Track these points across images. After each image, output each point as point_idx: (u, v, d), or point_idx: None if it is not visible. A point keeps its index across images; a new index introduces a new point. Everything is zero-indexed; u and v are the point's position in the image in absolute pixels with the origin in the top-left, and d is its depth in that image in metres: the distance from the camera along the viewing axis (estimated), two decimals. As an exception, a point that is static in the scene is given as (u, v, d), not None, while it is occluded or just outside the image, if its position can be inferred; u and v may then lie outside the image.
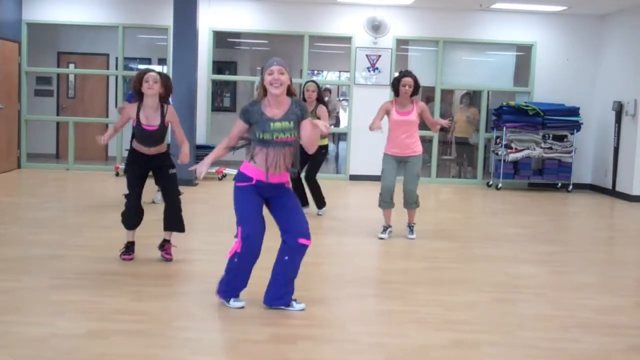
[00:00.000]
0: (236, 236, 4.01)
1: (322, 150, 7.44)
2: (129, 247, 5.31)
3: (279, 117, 3.95)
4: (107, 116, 12.56)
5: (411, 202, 6.42)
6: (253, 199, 4.03)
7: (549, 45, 11.06)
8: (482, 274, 5.38)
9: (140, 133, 5.13)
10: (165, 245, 5.33)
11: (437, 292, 4.79)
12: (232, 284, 4.16)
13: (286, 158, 3.99)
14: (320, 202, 7.59)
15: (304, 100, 7.36)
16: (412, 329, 3.99)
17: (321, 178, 7.78)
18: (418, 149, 6.38)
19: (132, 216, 5.22)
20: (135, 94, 5.17)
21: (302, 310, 4.17)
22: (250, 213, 4.00)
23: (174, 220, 5.27)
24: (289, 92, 4.02)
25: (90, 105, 12.75)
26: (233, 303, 4.16)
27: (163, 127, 5.15)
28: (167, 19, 10.24)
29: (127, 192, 5.24)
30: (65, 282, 4.61)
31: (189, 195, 7.71)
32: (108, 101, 12.79)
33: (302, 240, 4.05)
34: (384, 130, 6.25)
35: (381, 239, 6.43)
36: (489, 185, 11.06)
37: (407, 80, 6.27)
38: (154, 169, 5.25)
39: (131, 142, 5.35)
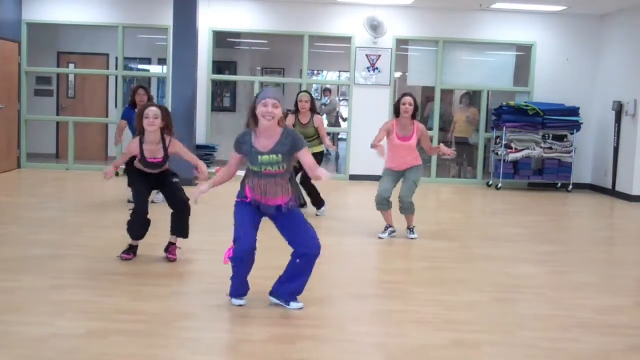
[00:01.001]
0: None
1: (317, 157, 7.47)
2: (131, 249, 5.32)
3: (267, 151, 3.98)
4: (107, 116, 12.56)
5: (406, 209, 6.48)
6: (249, 213, 4.09)
7: (549, 45, 11.06)
8: (482, 274, 5.38)
9: (144, 164, 5.18)
10: (169, 248, 5.36)
11: (437, 292, 4.79)
12: (234, 287, 4.24)
13: (278, 186, 4.03)
14: (319, 203, 7.59)
15: (297, 110, 7.38)
16: (412, 329, 3.99)
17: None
18: (417, 161, 6.47)
19: (139, 228, 5.25)
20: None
21: (300, 309, 4.18)
22: (244, 230, 4.04)
23: (177, 226, 5.32)
24: (279, 124, 4.03)
25: (90, 105, 12.74)
26: (234, 300, 4.24)
27: (167, 157, 5.19)
28: (167, 19, 10.24)
29: (131, 199, 5.28)
30: (65, 282, 4.61)
31: (188, 195, 7.69)
32: (108, 101, 12.79)
33: (311, 251, 4.11)
34: (385, 152, 6.28)
35: (380, 238, 6.43)
36: (489, 185, 11.06)
37: (407, 99, 6.36)
38: (157, 183, 5.31)
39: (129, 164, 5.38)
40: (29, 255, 5.37)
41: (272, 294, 4.28)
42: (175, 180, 5.29)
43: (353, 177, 11.06)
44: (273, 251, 4.60)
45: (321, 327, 3.96)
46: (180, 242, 5.47)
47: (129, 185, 5.57)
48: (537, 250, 6.35)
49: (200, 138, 10.72)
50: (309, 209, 7.50)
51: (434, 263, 5.67)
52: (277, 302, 4.24)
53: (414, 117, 6.39)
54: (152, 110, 5.00)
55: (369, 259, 5.97)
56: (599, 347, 3.82)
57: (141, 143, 5.09)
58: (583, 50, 11.07)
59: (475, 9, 10.78)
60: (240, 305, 4.20)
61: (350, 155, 11.13)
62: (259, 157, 3.97)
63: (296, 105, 7.43)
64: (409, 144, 6.38)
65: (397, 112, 6.44)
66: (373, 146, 6.23)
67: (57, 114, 12.71)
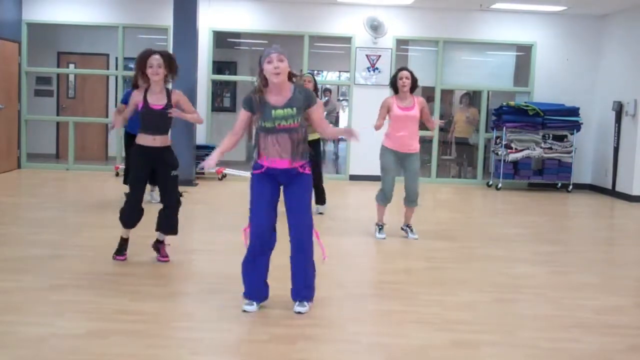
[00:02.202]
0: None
1: (314, 144, 7.49)
2: (122, 246, 5.26)
3: (281, 105, 3.95)
4: (107, 116, 12.54)
5: (413, 200, 6.41)
6: (264, 188, 4.03)
7: (549, 45, 11.06)
8: (482, 274, 5.38)
9: (146, 115, 5.04)
10: (159, 248, 5.30)
11: (437, 292, 4.79)
12: (247, 286, 4.15)
13: (292, 144, 3.96)
14: (323, 199, 7.60)
15: None
16: (412, 329, 3.99)
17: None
18: (417, 146, 6.38)
19: (131, 214, 5.15)
20: (136, 86, 5.13)
21: (300, 313, 4.11)
22: (259, 205, 4.02)
23: (167, 223, 5.21)
24: (290, 78, 4.02)
25: (90, 105, 12.74)
26: (245, 306, 4.11)
27: (170, 107, 5.07)
28: (167, 19, 10.24)
29: (127, 190, 5.22)
30: (65, 282, 4.61)
31: (188, 195, 7.71)
32: (108, 101, 12.79)
33: (302, 222, 4.03)
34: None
35: (382, 238, 6.41)
36: (489, 185, 11.06)
37: (404, 73, 6.28)
38: (156, 167, 5.13)
39: (128, 146, 5.27)
40: (29, 255, 5.37)
41: (293, 298, 4.18)
42: (174, 173, 5.16)
43: (353, 177, 11.06)
44: (273, 251, 4.58)
45: (321, 327, 3.95)
46: (179, 240, 5.48)
47: (126, 169, 5.40)
48: (537, 250, 6.35)
49: (200, 138, 10.72)
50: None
51: (434, 263, 5.67)
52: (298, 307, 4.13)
53: (411, 91, 6.32)
54: (156, 59, 4.97)
55: (369, 259, 5.97)
56: (599, 347, 3.82)
57: (145, 94, 5.04)
58: (583, 50, 11.07)
59: (475, 9, 10.78)
60: (247, 312, 4.07)
61: (350, 156, 11.13)
62: (273, 111, 3.93)
63: None
64: (411, 114, 6.24)
65: (395, 87, 6.34)
66: (377, 127, 6.19)
67: (57, 114, 12.71)
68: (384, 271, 5.59)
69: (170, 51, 9.99)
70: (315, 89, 7.55)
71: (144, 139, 5.08)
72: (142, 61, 4.99)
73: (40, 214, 7.13)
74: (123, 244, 5.28)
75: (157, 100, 5.05)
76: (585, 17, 10.94)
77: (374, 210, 6.60)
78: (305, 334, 3.81)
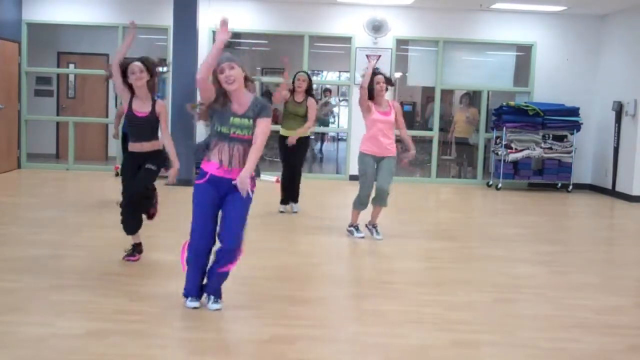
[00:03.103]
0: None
1: (303, 142, 7.52)
2: (135, 249, 5.28)
3: (240, 113, 3.95)
4: (107, 116, 12.54)
5: (382, 199, 6.37)
6: (206, 203, 3.99)
7: (549, 45, 11.06)
8: (482, 274, 5.38)
9: (132, 122, 5.07)
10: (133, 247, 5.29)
11: (437, 292, 4.79)
12: (187, 284, 4.17)
13: (242, 154, 3.94)
14: (296, 196, 7.61)
15: (294, 90, 7.43)
16: (412, 329, 3.99)
17: (321, 178, 7.79)
18: (394, 149, 6.39)
19: (131, 220, 5.15)
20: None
21: (218, 310, 4.10)
22: (199, 224, 3.99)
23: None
24: (247, 85, 4.00)
25: (90, 105, 12.73)
26: (188, 302, 4.14)
27: (154, 116, 5.08)
28: (167, 19, 10.24)
29: (121, 200, 5.19)
30: (65, 282, 4.61)
31: (188, 195, 7.70)
32: (108, 101, 12.77)
33: (224, 245, 3.98)
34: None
35: (361, 237, 6.39)
36: (489, 185, 11.06)
37: (379, 77, 6.26)
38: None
39: (125, 149, 5.27)
40: (29, 255, 5.36)
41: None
42: (152, 167, 5.10)
43: (353, 177, 11.04)
44: (273, 251, 4.60)
45: (321, 327, 3.95)
46: (179, 240, 5.44)
47: (121, 174, 5.39)
48: (537, 250, 6.35)
49: (200, 138, 10.67)
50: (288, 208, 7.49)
51: (434, 263, 5.67)
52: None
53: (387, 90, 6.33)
54: (137, 65, 5.00)
55: (368, 259, 5.97)
56: (599, 347, 3.82)
57: (131, 101, 5.06)
58: (583, 50, 11.07)
59: (475, 9, 10.78)
60: (195, 308, 4.09)
61: (350, 156, 11.12)
62: (231, 118, 3.93)
63: (293, 83, 7.51)
64: (388, 119, 6.27)
65: (370, 94, 6.27)
66: (364, 83, 6.17)
67: (57, 114, 12.70)
68: (383, 271, 5.59)
69: (171, 51, 10.03)
70: (310, 88, 7.56)
71: (133, 146, 5.16)
72: (122, 67, 5.04)
73: (40, 214, 7.12)
74: (135, 247, 5.28)
75: (141, 107, 5.07)
76: (585, 17, 10.94)
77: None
78: (305, 334, 3.81)
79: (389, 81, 6.33)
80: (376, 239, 6.43)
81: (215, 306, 4.10)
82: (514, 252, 6.20)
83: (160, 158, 5.18)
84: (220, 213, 4.01)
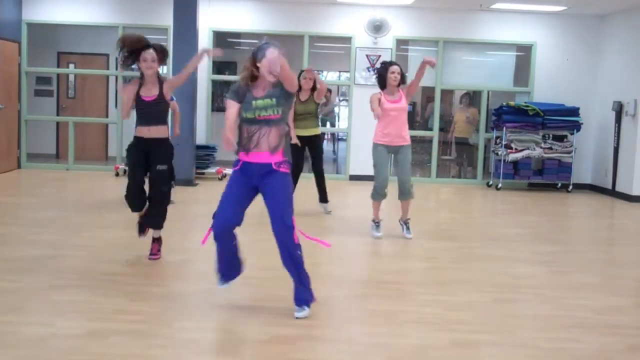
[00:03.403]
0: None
1: (315, 139, 7.50)
2: (141, 226, 5.34)
3: (261, 95, 3.97)
4: (107, 116, 12.56)
5: (406, 192, 6.38)
6: (237, 187, 4.04)
7: (549, 45, 11.06)
8: (482, 274, 5.38)
9: (139, 106, 5.10)
10: (152, 245, 5.33)
11: (437, 292, 4.79)
12: (218, 266, 4.22)
13: (270, 137, 3.96)
14: (325, 196, 7.64)
15: (300, 88, 7.42)
16: (412, 329, 3.99)
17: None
18: (408, 139, 6.41)
19: (132, 200, 5.21)
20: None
21: (301, 318, 4.07)
22: (227, 200, 4.04)
23: (152, 218, 5.26)
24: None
25: (90, 105, 12.74)
26: (219, 283, 4.25)
27: (162, 98, 5.11)
28: (167, 19, 10.24)
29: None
30: (65, 282, 4.61)
31: (189, 195, 7.73)
32: (108, 101, 12.79)
33: (278, 237, 3.98)
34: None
35: (378, 237, 6.40)
36: (489, 185, 11.06)
37: (396, 67, 6.32)
38: (150, 159, 5.13)
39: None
40: (29, 255, 5.37)
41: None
42: (161, 168, 5.14)
43: (353, 177, 11.06)
44: (273, 251, 4.58)
45: (321, 327, 3.96)
46: (179, 240, 5.47)
47: (127, 159, 5.46)
48: (537, 250, 6.35)
49: (200, 138, 10.72)
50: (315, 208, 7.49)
51: (434, 263, 5.67)
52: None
53: (399, 85, 6.35)
54: (150, 53, 5.02)
55: (369, 259, 5.97)
56: (599, 347, 3.82)
57: (139, 87, 5.09)
58: (583, 50, 11.07)
59: (475, 9, 10.78)
60: (224, 288, 4.19)
61: (350, 156, 11.13)
62: (253, 102, 3.95)
63: (298, 82, 7.49)
64: (400, 106, 6.30)
65: (382, 82, 6.35)
66: (378, 115, 6.22)
67: (57, 114, 12.71)
68: (383, 271, 5.59)
69: (171, 51, 10.02)
70: (314, 87, 7.53)
71: (140, 131, 5.16)
72: (134, 45, 5.00)
73: (40, 214, 7.12)
74: (141, 224, 5.35)
75: (149, 92, 5.10)
76: (585, 17, 10.94)
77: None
78: (305, 334, 3.81)
79: (403, 78, 6.35)
80: (405, 236, 6.45)
81: (299, 314, 4.06)
82: (514, 252, 6.21)
83: (167, 151, 5.22)
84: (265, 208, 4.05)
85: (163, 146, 5.19)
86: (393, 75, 6.28)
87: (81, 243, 5.84)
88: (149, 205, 5.26)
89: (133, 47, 5.02)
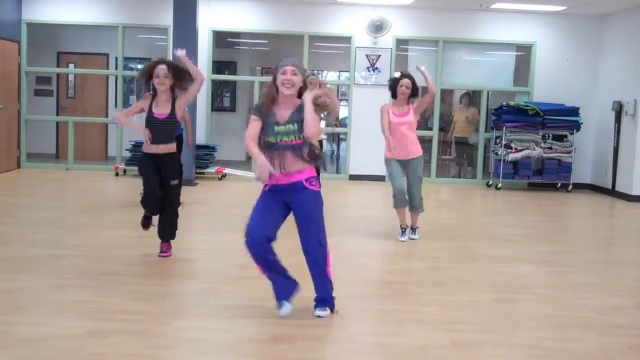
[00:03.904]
0: None
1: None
2: (148, 218, 5.38)
3: (283, 121, 3.90)
4: (107, 116, 12.56)
5: (417, 206, 6.44)
6: (269, 203, 3.96)
7: (549, 45, 11.06)
8: (482, 274, 5.38)
9: (150, 123, 5.13)
10: (162, 244, 5.39)
11: (437, 292, 4.79)
12: (275, 290, 4.07)
13: (293, 160, 3.89)
14: None
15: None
16: (412, 329, 3.99)
17: (321, 178, 7.77)
18: (418, 150, 6.40)
19: (151, 206, 5.26)
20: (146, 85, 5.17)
21: (321, 317, 4.07)
22: (257, 214, 3.95)
23: (164, 228, 5.33)
24: (300, 95, 3.96)
25: (90, 105, 12.74)
26: (279, 310, 4.03)
27: (173, 117, 5.14)
28: (167, 19, 10.24)
29: (142, 191, 5.30)
30: (65, 282, 4.61)
31: (189, 195, 7.71)
32: (108, 101, 12.79)
33: (317, 247, 3.99)
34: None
35: (403, 241, 6.39)
36: (489, 185, 11.06)
37: (406, 81, 6.30)
38: (161, 172, 5.21)
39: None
40: (29, 255, 5.37)
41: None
42: (174, 183, 5.25)
43: (353, 177, 11.06)
44: (278, 251, 4.58)
45: (321, 327, 3.95)
46: (179, 240, 5.46)
47: (139, 172, 5.52)
48: (537, 250, 6.35)
49: (200, 138, 10.72)
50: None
51: (434, 263, 5.67)
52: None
53: (411, 98, 6.34)
54: (162, 70, 5.04)
55: (369, 259, 5.97)
56: (599, 347, 3.82)
57: (153, 100, 5.13)
58: (583, 50, 11.07)
59: (475, 9, 10.78)
60: (285, 314, 3.98)
61: (350, 156, 11.13)
62: (276, 127, 3.88)
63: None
64: (406, 120, 6.30)
65: (394, 93, 6.38)
66: (388, 137, 6.25)
67: (57, 114, 12.71)
68: (384, 271, 5.59)
69: (171, 51, 10.02)
70: None
71: (148, 148, 5.19)
72: (148, 70, 5.08)
73: (40, 214, 7.12)
74: (147, 218, 5.40)
75: (161, 110, 5.13)
76: (586, 17, 10.94)
77: (374, 210, 6.62)
78: (306, 334, 3.81)
79: (415, 91, 6.32)
80: (411, 237, 6.47)
81: (320, 313, 4.07)
82: (514, 252, 6.20)
83: (177, 165, 5.32)
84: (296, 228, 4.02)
85: (173, 160, 5.26)
86: (402, 89, 6.28)
87: (81, 243, 5.83)
88: (162, 218, 5.31)
89: (148, 72, 5.06)
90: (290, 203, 3.99)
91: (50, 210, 7.35)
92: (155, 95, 5.15)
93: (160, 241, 5.37)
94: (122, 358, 3.39)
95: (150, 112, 5.13)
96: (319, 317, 4.07)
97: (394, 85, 6.39)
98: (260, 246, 3.90)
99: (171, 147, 5.23)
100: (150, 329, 3.79)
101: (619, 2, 9.86)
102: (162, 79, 5.02)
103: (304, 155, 3.92)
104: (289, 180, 3.91)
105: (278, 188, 3.94)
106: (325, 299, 4.12)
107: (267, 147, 3.90)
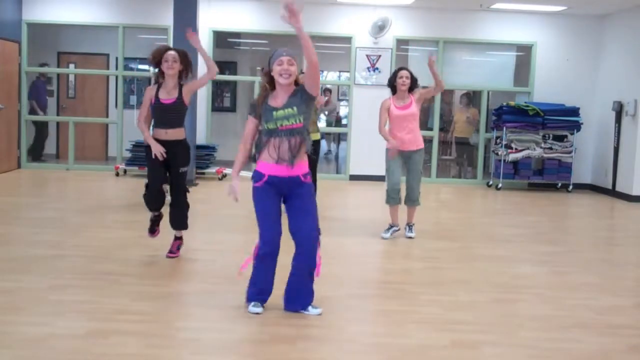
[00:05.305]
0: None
1: (315, 143, 7.48)
2: (154, 222, 5.37)
3: (280, 105, 3.93)
4: (107, 116, 12.57)
5: (414, 200, 6.43)
6: (270, 201, 3.97)
7: (549, 45, 11.06)
8: (482, 274, 5.38)
9: (157, 109, 5.15)
10: (172, 243, 5.40)
11: (437, 292, 4.79)
12: (257, 287, 4.11)
13: (295, 147, 3.91)
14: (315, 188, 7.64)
15: None
16: (412, 329, 3.99)
17: (321, 178, 7.79)
18: (420, 142, 6.40)
19: (153, 200, 5.26)
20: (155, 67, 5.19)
21: (319, 314, 4.11)
22: (268, 219, 3.96)
23: (175, 219, 5.34)
24: (296, 82, 4.01)
25: (90, 105, 12.74)
26: (251, 308, 4.08)
27: (181, 102, 5.16)
28: (167, 19, 10.24)
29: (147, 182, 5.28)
30: (65, 282, 4.61)
31: (189, 195, 7.70)
32: (108, 101, 12.79)
33: (309, 238, 4.00)
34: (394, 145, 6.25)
35: (383, 238, 6.41)
36: (489, 185, 11.06)
37: (404, 72, 6.31)
38: (169, 161, 5.19)
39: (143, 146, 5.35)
40: (29, 255, 5.37)
41: (285, 308, 4.15)
42: (183, 169, 5.26)
43: (353, 177, 11.06)
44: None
45: (321, 327, 3.95)
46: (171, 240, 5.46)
47: (146, 164, 5.51)
48: (537, 250, 6.35)
49: (201, 138, 10.72)
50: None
51: (434, 263, 5.67)
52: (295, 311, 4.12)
53: (410, 90, 6.34)
54: (171, 54, 5.10)
55: (369, 259, 5.97)
56: (599, 347, 3.82)
57: (158, 88, 5.16)
58: (583, 50, 11.07)
59: (475, 9, 10.78)
60: (257, 314, 4.04)
61: (350, 155, 11.13)
62: (274, 112, 3.90)
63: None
64: (409, 111, 6.29)
65: (393, 87, 6.37)
66: (385, 134, 6.25)
67: (57, 114, 12.71)
68: (383, 271, 5.59)
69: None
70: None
71: (157, 133, 5.21)
72: (158, 55, 5.11)
73: (40, 214, 7.12)
74: (153, 223, 5.39)
75: (168, 95, 5.16)
76: (586, 17, 10.94)
77: (374, 210, 6.61)
78: (305, 334, 3.81)
79: (413, 81, 6.32)
80: (407, 235, 6.47)
81: (313, 311, 4.10)
82: (514, 252, 6.20)
83: (186, 152, 5.30)
84: (286, 217, 4.03)
85: (181, 147, 5.25)
86: (401, 80, 6.27)
87: (81, 243, 5.84)
88: (172, 208, 5.31)
89: (157, 56, 5.11)
90: (286, 195, 4.02)
91: (51, 210, 7.35)
92: (160, 84, 5.17)
93: (169, 241, 5.38)
94: (122, 358, 3.39)
95: (156, 98, 5.14)
96: (319, 315, 4.09)
97: (392, 80, 6.38)
98: (276, 249, 4.01)
99: (180, 133, 5.23)
100: (150, 329, 3.79)
101: (619, 2, 9.86)
102: (171, 63, 5.08)
103: (303, 142, 3.93)
104: (288, 172, 3.93)
105: (276, 180, 3.95)
106: (309, 297, 4.14)
107: (268, 134, 3.93)
